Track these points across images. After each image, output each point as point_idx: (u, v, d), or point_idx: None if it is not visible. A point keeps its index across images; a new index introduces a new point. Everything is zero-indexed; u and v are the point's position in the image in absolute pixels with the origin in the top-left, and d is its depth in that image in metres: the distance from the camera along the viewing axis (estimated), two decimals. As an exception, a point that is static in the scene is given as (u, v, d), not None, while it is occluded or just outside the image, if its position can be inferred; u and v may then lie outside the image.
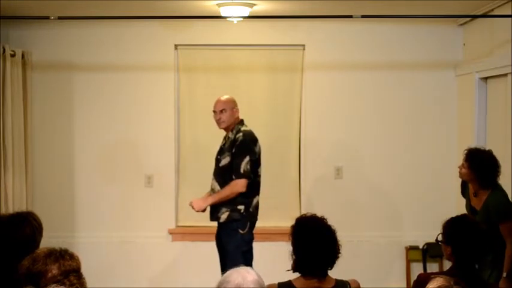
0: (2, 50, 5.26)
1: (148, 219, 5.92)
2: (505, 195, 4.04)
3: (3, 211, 5.05)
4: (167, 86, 5.94)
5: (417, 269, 5.71)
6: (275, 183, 5.84)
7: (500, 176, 4.05)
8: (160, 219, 5.91)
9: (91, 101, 5.94)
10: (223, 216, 4.62)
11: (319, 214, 2.94)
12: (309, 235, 2.83)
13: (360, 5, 5.00)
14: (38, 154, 5.86)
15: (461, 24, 5.76)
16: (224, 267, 4.36)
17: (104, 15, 5.11)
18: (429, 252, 5.66)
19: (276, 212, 5.78)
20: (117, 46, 5.92)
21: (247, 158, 4.57)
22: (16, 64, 5.45)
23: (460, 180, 4.32)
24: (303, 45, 5.93)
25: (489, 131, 5.29)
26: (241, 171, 4.56)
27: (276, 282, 2.86)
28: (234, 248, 4.59)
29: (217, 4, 4.91)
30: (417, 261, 5.80)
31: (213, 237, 4.84)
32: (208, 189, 4.84)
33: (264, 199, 4.87)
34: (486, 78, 5.27)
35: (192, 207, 4.71)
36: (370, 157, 5.93)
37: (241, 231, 4.60)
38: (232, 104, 4.74)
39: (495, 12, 4.95)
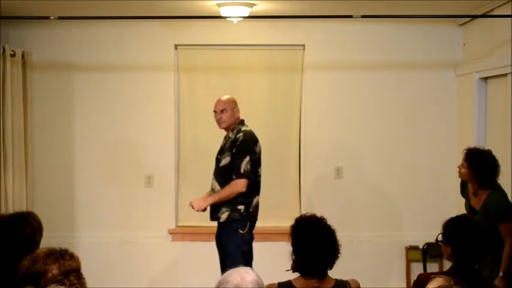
0: (2, 50, 5.26)
1: (148, 219, 5.92)
2: (505, 195, 4.04)
3: (3, 211, 5.05)
4: (167, 86, 5.94)
5: (417, 269, 5.71)
6: (275, 183, 5.84)
7: (500, 176, 4.06)
8: (160, 219, 5.91)
9: (91, 101, 5.95)
10: (223, 216, 4.62)
11: (319, 214, 2.94)
12: (309, 235, 2.83)
13: (360, 5, 5.00)
14: (38, 154, 5.86)
15: (461, 24, 5.76)
16: (224, 267, 4.36)
17: (104, 15, 5.11)
18: (429, 252, 5.66)
19: (276, 212, 5.78)
20: (117, 46, 5.92)
21: (247, 158, 4.57)
22: (16, 64, 5.45)
23: (459, 180, 4.32)
24: (303, 45, 5.93)
25: (489, 131, 5.29)
26: (242, 171, 4.56)
27: (276, 282, 2.86)
28: (234, 248, 4.59)
29: (217, 4, 4.91)
30: (417, 261, 5.80)
31: (213, 237, 4.85)
32: (208, 189, 4.84)
33: (264, 199, 4.87)
34: (486, 78, 5.27)
35: (192, 207, 4.71)
36: (370, 157, 5.93)
37: (241, 231, 4.60)
38: (232, 104, 4.74)
39: (495, 12, 4.95)
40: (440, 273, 3.07)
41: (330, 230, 2.86)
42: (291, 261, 2.85)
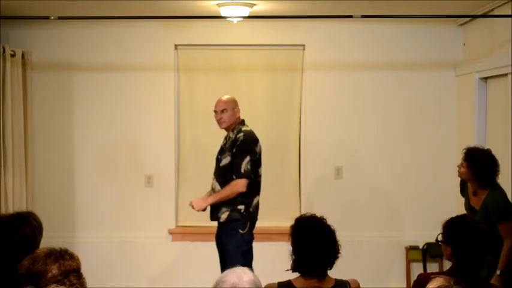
0: (2, 50, 5.26)
1: (148, 219, 5.92)
2: (504, 194, 4.04)
3: (3, 211, 5.05)
4: (167, 86, 5.94)
5: (417, 269, 5.71)
6: (275, 183, 5.84)
7: (500, 176, 4.06)
8: (160, 219, 5.91)
9: (91, 101, 5.95)
10: (224, 216, 4.62)
11: (319, 214, 2.94)
12: (309, 235, 2.83)
13: (360, 5, 5.00)
14: (38, 154, 5.86)
15: (461, 24, 5.76)
16: (224, 267, 4.34)
17: (104, 15, 5.11)
18: (429, 252, 5.66)
19: (276, 212, 5.78)
20: (117, 46, 5.92)
21: (247, 158, 4.57)
22: (16, 64, 5.45)
23: (459, 179, 4.32)
24: (303, 45, 5.93)
25: (489, 131, 5.29)
26: (242, 171, 4.56)
27: (276, 282, 2.86)
28: (234, 248, 4.59)
29: (217, 4, 4.91)
30: (417, 261, 5.80)
31: (213, 237, 4.84)
32: (208, 189, 4.84)
33: (264, 199, 4.87)
34: (486, 78, 5.27)
35: (192, 207, 4.71)
36: (370, 157, 5.93)
37: (241, 231, 4.60)
38: (233, 104, 4.74)
39: (495, 12, 4.95)
40: (440, 273, 3.07)
41: (330, 230, 2.86)
42: (291, 261, 2.85)
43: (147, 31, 5.87)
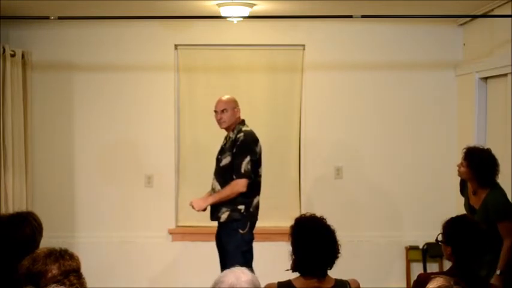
0: (2, 50, 5.26)
1: (148, 219, 5.92)
2: (504, 194, 4.04)
3: (3, 211, 5.05)
4: (167, 86, 5.94)
5: (417, 269, 5.71)
6: (275, 183, 5.84)
7: (500, 176, 4.06)
8: (160, 219, 5.91)
9: (91, 101, 5.95)
10: (224, 216, 4.62)
11: (319, 214, 2.94)
12: (309, 235, 2.83)
13: (360, 5, 5.00)
14: (38, 154, 5.86)
15: (461, 24, 5.76)
16: (224, 267, 4.32)
17: (104, 15, 5.11)
18: (429, 252, 5.66)
19: (276, 212, 5.78)
20: (117, 46, 5.92)
21: (248, 158, 4.57)
22: (16, 64, 5.45)
23: (459, 179, 4.32)
24: (303, 45, 5.93)
25: (489, 131, 5.29)
26: (242, 171, 4.56)
27: (276, 282, 2.86)
28: (234, 248, 4.59)
29: (217, 4, 4.91)
30: (417, 261, 5.80)
31: (213, 237, 4.84)
32: (208, 189, 4.84)
33: (264, 199, 4.87)
34: (486, 78, 5.27)
35: (193, 207, 4.71)
36: (370, 157, 5.93)
37: (241, 231, 4.60)
38: (233, 104, 4.74)
39: (495, 12, 4.95)
40: (440, 273, 3.07)
41: (330, 230, 2.86)
42: (291, 261, 2.85)
43: (147, 31, 5.87)
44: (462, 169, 4.10)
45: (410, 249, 5.84)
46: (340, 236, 2.88)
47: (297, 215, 3.04)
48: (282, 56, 6.00)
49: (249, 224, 4.64)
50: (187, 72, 6.00)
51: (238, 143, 4.62)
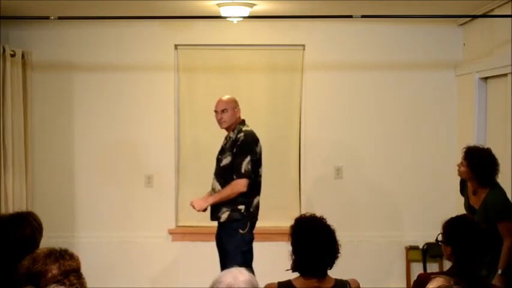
0: (2, 50, 5.26)
1: (148, 219, 5.92)
2: (504, 193, 4.04)
3: (3, 211, 5.05)
4: (167, 86, 5.94)
5: (417, 269, 5.71)
6: (275, 183, 5.83)
7: (501, 176, 4.06)
8: (160, 219, 5.91)
9: (91, 101, 5.95)
10: (224, 216, 4.62)
11: (319, 214, 2.94)
12: (308, 235, 2.83)
13: (360, 5, 5.00)
14: (38, 154, 5.86)
15: (461, 24, 5.76)
16: (224, 267, 4.32)
17: (104, 15, 5.11)
18: (429, 252, 5.66)
19: (276, 212, 5.78)
20: (117, 46, 5.92)
21: (248, 158, 4.57)
22: (16, 64, 5.45)
23: (459, 179, 4.32)
24: (303, 45, 5.93)
25: (489, 131, 5.29)
26: (242, 171, 4.55)
27: (276, 281, 2.86)
28: (234, 248, 4.59)
29: (217, 4, 4.91)
30: (417, 261, 5.80)
31: (213, 237, 4.84)
32: (209, 189, 4.84)
33: (264, 199, 4.87)
34: (486, 78, 5.27)
35: (193, 207, 4.71)
36: (370, 157, 5.93)
37: (241, 231, 4.60)
38: (233, 104, 4.74)
39: (495, 12, 4.95)
40: (440, 273, 3.07)
41: (330, 230, 2.86)
42: (291, 261, 2.85)
43: (147, 31, 5.87)
44: (462, 169, 4.10)
45: (410, 249, 5.84)
46: (340, 236, 2.88)
47: (297, 215, 3.04)
48: (282, 56, 6.00)
49: (249, 224, 4.64)
50: (187, 72, 6.00)
51: (238, 143, 4.62)
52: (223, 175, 4.66)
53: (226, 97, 4.77)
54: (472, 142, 4.93)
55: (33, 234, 2.94)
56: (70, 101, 5.94)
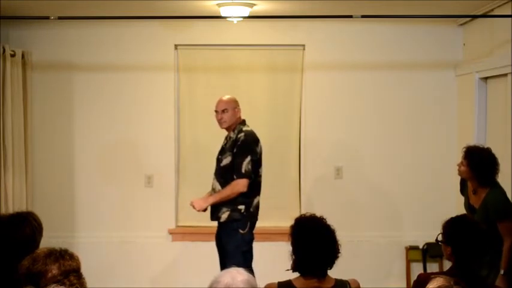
0: (2, 50, 5.26)
1: (148, 219, 5.92)
2: (504, 193, 4.05)
3: (3, 211, 5.05)
4: (167, 86, 5.94)
5: (417, 269, 5.71)
6: (275, 183, 5.83)
7: (501, 176, 4.06)
8: (160, 219, 5.91)
9: (91, 101, 5.95)
10: (224, 216, 4.62)
11: (319, 214, 2.94)
12: (309, 235, 2.83)
13: (360, 5, 5.00)
14: (38, 154, 5.86)
15: (461, 24, 5.76)
16: (224, 267, 4.32)
17: (104, 15, 5.11)
18: (429, 252, 5.66)
19: (276, 212, 5.78)
20: (117, 46, 5.92)
21: (248, 158, 4.57)
22: (16, 64, 5.45)
23: (459, 179, 4.32)
24: (303, 45, 5.93)
25: (489, 131, 5.29)
26: (243, 171, 4.55)
27: (276, 281, 2.86)
28: (234, 248, 4.58)
29: (217, 4, 4.91)
30: (417, 261, 5.80)
31: (213, 237, 4.84)
32: (209, 189, 4.84)
33: (264, 199, 4.86)
34: (486, 78, 5.27)
35: (193, 207, 4.71)
36: (370, 157, 5.93)
37: (241, 231, 4.60)
38: (234, 104, 4.74)
39: (495, 12, 4.95)
40: (440, 273, 3.07)
41: (330, 230, 2.86)
42: (291, 261, 2.85)
43: (147, 31, 5.87)
44: (462, 168, 4.10)
45: (410, 249, 5.84)
46: (340, 236, 2.88)
47: (297, 215, 3.04)
48: (282, 56, 6.00)
49: (249, 224, 4.64)
50: (187, 72, 6.00)
51: (239, 143, 4.62)
52: (224, 175, 4.66)
53: (226, 97, 4.77)
54: (472, 142, 4.93)
55: (33, 234, 2.94)
56: (70, 101, 5.94)
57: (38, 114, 5.86)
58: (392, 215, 5.95)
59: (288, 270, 2.86)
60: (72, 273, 2.38)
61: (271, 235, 5.60)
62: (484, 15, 5.16)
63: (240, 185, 4.56)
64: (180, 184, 6.01)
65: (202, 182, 5.25)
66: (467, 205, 4.17)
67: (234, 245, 4.60)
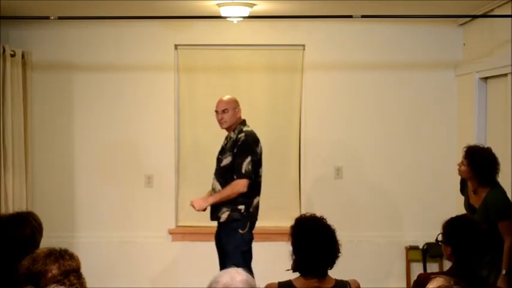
0: (2, 50, 5.26)
1: (148, 219, 5.92)
2: (504, 193, 4.05)
3: (3, 211, 5.05)
4: (167, 86, 5.94)
5: (417, 269, 5.71)
6: (275, 183, 5.83)
7: (501, 175, 4.06)
8: (160, 219, 5.91)
9: (91, 101, 5.95)
10: (224, 216, 4.62)
11: (319, 214, 2.94)
12: (309, 235, 2.83)
13: (360, 5, 5.00)
14: (38, 154, 5.86)
15: (461, 24, 5.76)
16: (223, 267, 4.32)
17: (104, 15, 5.11)
18: (429, 252, 5.66)
19: (276, 212, 5.78)
20: (117, 46, 5.92)
21: (248, 158, 4.57)
22: (16, 64, 5.45)
23: (459, 179, 4.32)
24: (303, 45, 5.93)
25: (489, 131, 5.29)
26: (243, 171, 4.55)
27: (276, 282, 2.86)
28: (234, 248, 4.58)
29: (217, 4, 4.91)
30: (417, 261, 5.80)
31: (213, 237, 4.84)
32: (209, 188, 4.84)
33: (264, 199, 4.86)
34: (486, 78, 5.27)
35: (193, 207, 4.71)
36: (370, 157, 5.93)
37: (241, 231, 4.60)
38: (234, 104, 4.74)
39: (495, 12, 4.95)
40: (440, 273, 3.07)
41: (330, 230, 2.86)
42: (291, 261, 2.85)
43: (147, 31, 5.87)
44: (463, 168, 4.10)
45: (410, 249, 5.84)
46: (340, 236, 2.88)
47: (297, 215, 3.04)
48: (282, 56, 6.00)
49: (248, 224, 4.64)
50: (187, 72, 6.00)
51: (239, 143, 4.62)
52: (224, 175, 4.66)
53: (227, 97, 4.77)
54: (472, 142, 4.92)
55: (33, 234, 2.94)
56: (70, 101, 5.94)
57: (38, 114, 5.86)
58: (392, 215, 5.95)
59: (288, 270, 2.86)
60: (72, 273, 2.38)
61: (271, 235, 5.60)
62: (484, 15, 5.16)
63: (240, 185, 4.56)
64: (180, 184, 6.01)
65: (202, 182, 5.25)
66: (467, 205, 4.17)
67: (234, 245, 4.59)
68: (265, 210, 5.00)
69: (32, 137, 5.74)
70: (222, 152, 4.74)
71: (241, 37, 5.86)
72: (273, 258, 4.63)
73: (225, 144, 4.76)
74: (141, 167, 5.92)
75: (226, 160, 4.65)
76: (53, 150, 5.94)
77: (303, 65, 5.94)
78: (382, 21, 5.72)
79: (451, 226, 3.03)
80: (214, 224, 4.79)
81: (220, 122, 4.74)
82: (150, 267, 5.86)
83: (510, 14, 4.58)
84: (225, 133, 4.80)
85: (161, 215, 5.92)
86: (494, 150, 4.08)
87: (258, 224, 4.80)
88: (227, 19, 5.13)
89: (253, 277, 2.35)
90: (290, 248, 2.87)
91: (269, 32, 5.87)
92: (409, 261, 5.86)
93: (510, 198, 4.13)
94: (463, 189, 4.29)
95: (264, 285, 2.82)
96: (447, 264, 4.04)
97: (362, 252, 5.82)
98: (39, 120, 5.87)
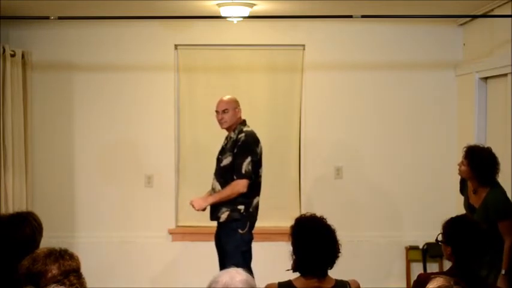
0: (2, 50, 5.26)
1: (148, 219, 5.92)
2: (504, 192, 4.05)
3: (3, 211, 5.05)
4: (167, 86, 5.94)
5: (417, 269, 5.71)
6: (275, 183, 5.83)
7: (501, 175, 4.06)
8: (160, 219, 5.91)
9: (91, 101, 5.95)
10: (223, 216, 4.62)
11: (319, 214, 2.94)
12: (309, 235, 2.83)
13: (360, 5, 5.00)
14: (38, 154, 5.86)
15: (461, 24, 5.76)
16: (223, 267, 4.32)
17: (104, 15, 5.11)
18: (429, 252, 5.66)
19: (276, 212, 5.78)
20: (117, 46, 5.92)
21: (248, 159, 4.57)
22: (16, 64, 5.45)
23: (459, 179, 4.32)
24: (303, 45, 5.93)
25: (489, 131, 5.29)
26: (243, 171, 4.55)
27: (276, 282, 2.86)
28: (234, 248, 4.58)
29: (217, 4, 4.91)
30: (417, 261, 5.80)
31: (213, 237, 4.84)
32: (208, 188, 4.84)
33: (264, 199, 4.86)
34: (486, 78, 5.27)
35: (193, 206, 4.71)
36: (370, 157, 5.93)
37: (240, 231, 4.60)
38: (234, 104, 4.74)
39: (495, 12, 4.95)
40: (440, 273, 3.07)
41: (330, 230, 2.86)
42: (291, 261, 2.85)
43: (147, 31, 5.87)
44: (463, 168, 4.10)
45: (410, 249, 5.84)
46: (340, 236, 2.88)
47: (297, 215, 3.04)
48: (282, 56, 6.00)
49: (248, 224, 4.64)
50: (187, 72, 6.00)
51: (239, 143, 4.61)
52: (224, 175, 4.66)
53: (227, 97, 4.77)
54: (472, 142, 4.92)
55: (33, 234, 2.94)
56: (70, 101, 5.94)
57: (38, 114, 5.86)
58: (392, 215, 5.95)
59: (288, 270, 2.86)
60: (72, 273, 2.38)
61: (271, 235, 5.60)
62: (484, 15, 5.16)
63: (240, 185, 4.56)
64: (180, 184, 6.01)
65: (202, 182, 5.24)
66: (467, 205, 4.17)
67: (234, 245, 4.59)
68: (265, 210, 5.00)
69: (32, 137, 5.75)
70: (222, 152, 4.74)
71: (241, 37, 5.86)
72: (273, 258, 4.63)
73: (225, 144, 4.76)
74: (141, 167, 5.92)
75: (226, 160, 4.65)
76: (53, 150, 5.94)
77: (303, 65, 5.94)
78: (382, 21, 5.72)
79: (451, 226, 3.03)
80: (214, 224, 4.79)
81: (220, 122, 4.74)
82: (150, 267, 5.86)
83: (510, 14, 4.58)
84: (225, 133, 4.80)
85: (161, 215, 5.92)
86: (494, 150, 4.08)
87: (258, 224, 4.80)
88: (227, 19, 5.13)
89: (253, 277, 2.35)
90: (290, 248, 2.87)
91: (269, 32, 5.87)
92: (409, 261, 5.86)
93: (510, 198, 4.13)
94: (463, 189, 4.29)
95: (264, 285, 2.82)
96: (447, 264, 4.04)
97: (362, 252, 5.82)
98: (39, 120, 5.87)
